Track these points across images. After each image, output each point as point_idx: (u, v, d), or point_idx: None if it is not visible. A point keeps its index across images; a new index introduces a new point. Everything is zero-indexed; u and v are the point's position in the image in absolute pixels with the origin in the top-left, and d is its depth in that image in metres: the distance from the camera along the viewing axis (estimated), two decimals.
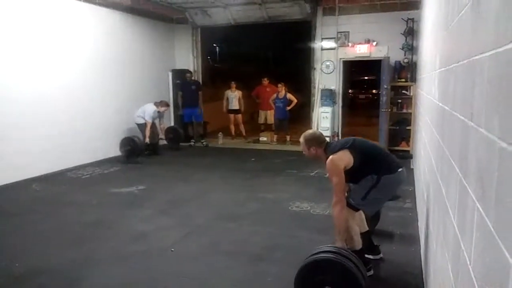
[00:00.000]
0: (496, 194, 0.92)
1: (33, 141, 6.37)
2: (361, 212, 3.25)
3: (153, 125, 8.18)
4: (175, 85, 9.99)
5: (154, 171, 7.18)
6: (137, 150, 7.64)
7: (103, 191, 5.69)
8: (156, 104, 8.13)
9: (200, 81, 10.26)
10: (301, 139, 3.30)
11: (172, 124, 9.88)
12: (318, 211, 4.72)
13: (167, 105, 8.40)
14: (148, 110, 7.97)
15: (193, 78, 9.86)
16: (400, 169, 3.15)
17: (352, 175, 3.09)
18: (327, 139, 8.96)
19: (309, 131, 3.37)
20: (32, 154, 6.33)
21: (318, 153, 3.22)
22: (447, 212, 1.74)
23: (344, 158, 3.04)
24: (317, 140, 3.24)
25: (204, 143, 9.82)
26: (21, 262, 3.43)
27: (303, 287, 2.66)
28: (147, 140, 7.94)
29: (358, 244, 3.14)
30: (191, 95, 9.48)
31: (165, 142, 8.96)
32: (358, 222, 3.25)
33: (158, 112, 8.14)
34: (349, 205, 3.09)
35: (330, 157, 3.06)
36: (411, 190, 5.36)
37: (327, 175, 3.13)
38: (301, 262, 2.71)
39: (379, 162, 3.15)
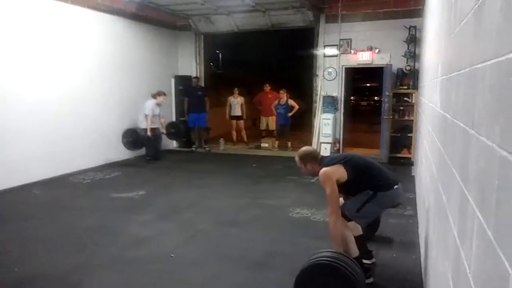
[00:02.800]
0: (496, 202, 0.92)
1: (35, 146, 6.39)
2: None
3: (156, 134, 8.19)
4: (178, 91, 10.03)
5: (155, 176, 7.18)
6: (139, 142, 7.78)
7: (104, 196, 5.69)
8: (153, 96, 8.12)
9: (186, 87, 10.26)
10: (296, 158, 3.36)
11: (174, 115, 9.89)
12: (318, 217, 4.71)
13: (164, 94, 8.32)
14: (146, 105, 7.99)
15: (199, 84, 9.89)
16: (396, 186, 3.17)
17: (347, 189, 3.13)
18: (329, 146, 8.98)
19: (303, 149, 3.43)
20: (33, 158, 6.34)
21: (314, 169, 3.26)
22: (447, 219, 1.73)
23: (337, 172, 3.08)
24: (311, 156, 3.30)
25: (206, 148, 9.84)
26: (21, 267, 3.42)
27: None
28: (149, 133, 7.93)
29: (355, 252, 3.14)
30: (197, 101, 9.55)
31: (168, 146, 8.96)
32: (352, 227, 3.26)
33: (158, 104, 8.09)
34: (343, 215, 3.11)
35: (323, 169, 3.11)
36: (412, 197, 5.35)
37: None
38: (300, 267, 2.70)
39: (374, 179, 3.17)
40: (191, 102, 9.64)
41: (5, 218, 4.73)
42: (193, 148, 9.81)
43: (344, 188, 3.12)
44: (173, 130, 8.95)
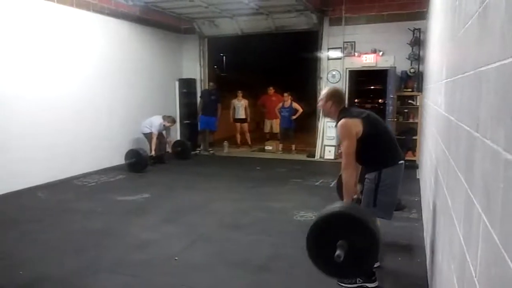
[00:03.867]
0: (502, 206, 0.91)
1: (39, 149, 6.41)
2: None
3: (160, 135, 8.23)
4: (182, 94, 10.09)
5: (160, 179, 7.19)
6: (142, 163, 7.57)
7: (108, 199, 5.70)
8: (164, 117, 8.16)
9: (202, 89, 10.35)
10: (325, 90, 3.30)
11: (179, 137, 9.92)
12: None
13: (174, 121, 8.45)
14: (154, 123, 8.00)
15: (214, 88, 9.97)
16: (400, 162, 3.15)
17: (358, 148, 3.03)
18: (333, 149, 8.94)
19: (334, 87, 3.40)
20: (37, 161, 6.37)
21: (332, 110, 3.20)
22: (453, 223, 1.72)
23: (357, 125, 3.01)
24: (338, 98, 3.22)
25: (210, 151, 9.86)
26: (25, 270, 3.43)
27: (316, 245, 2.60)
28: (153, 152, 7.97)
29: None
30: (209, 104, 9.69)
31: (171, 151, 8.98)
32: None
33: (164, 125, 8.16)
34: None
35: (344, 119, 3.04)
36: (417, 200, 5.32)
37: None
38: (311, 222, 2.69)
39: (384, 142, 3.13)
40: (204, 105, 9.78)
41: (10, 221, 4.75)
42: (198, 151, 9.84)
43: (358, 147, 3.02)
44: (180, 148, 8.94)
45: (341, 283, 3.16)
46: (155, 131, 7.96)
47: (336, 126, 3.19)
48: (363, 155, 3.06)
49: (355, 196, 3.23)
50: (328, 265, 2.53)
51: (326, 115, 3.34)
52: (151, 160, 8.12)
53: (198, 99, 10.13)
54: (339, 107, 3.20)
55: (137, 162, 7.53)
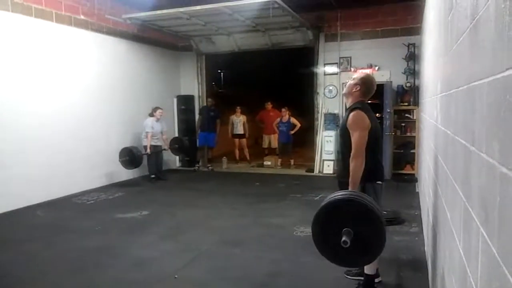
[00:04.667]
0: (499, 219, 0.92)
1: (38, 167, 6.41)
2: None
3: (157, 153, 8.22)
4: (180, 110, 10.14)
5: (159, 196, 7.17)
6: (136, 160, 7.73)
7: (107, 217, 5.67)
8: (150, 114, 8.18)
9: (198, 106, 10.39)
10: (361, 75, 3.22)
11: (176, 134, 10.01)
12: None
13: (160, 108, 8.34)
14: (146, 122, 8.08)
15: (213, 105, 10.02)
16: (378, 182, 3.09)
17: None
18: (331, 163, 8.92)
19: (372, 77, 3.28)
20: (36, 180, 6.35)
21: (354, 96, 3.11)
22: (453, 236, 1.72)
23: (368, 122, 2.98)
24: (367, 89, 3.13)
25: (209, 167, 9.85)
26: None
27: (322, 232, 2.53)
28: (148, 151, 7.99)
29: (374, 268, 3.11)
30: (208, 120, 9.73)
31: (171, 165, 8.96)
32: None
33: (157, 120, 8.14)
34: None
35: (359, 110, 2.98)
36: (417, 214, 5.31)
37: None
38: (317, 209, 2.57)
39: (376, 155, 3.10)
40: (202, 121, 9.83)
41: (8, 240, 4.71)
42: (196, 167, 9.83)
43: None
44: (177, 145, 8.94)
45: (348, 275, 3.16)
46: (148, 129, 8.00)
47: (347, 114, 3.09)
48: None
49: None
50: (334, 253, 2.46)
51: (346, 94, 3.21)
52: (151, 176, 8.14)
53: (197, 116, 10.18)
54: (361, 97, 3.12)
55: (131, 160, 7.68)
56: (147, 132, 8.02)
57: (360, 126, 2.94)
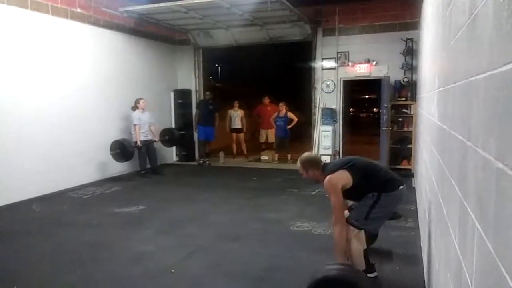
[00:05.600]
0: (495, 214, 0.92)
1: (34, 161, 6.38)
2: (362, 231, 3.24)
3: (150, 147, 8.20)
4: (177, 104, 10.10)
5: (155, 191, 7.16)
6: (127, 153, 7.68)
7: (104, 211, 5.66)
8: (133, 108, 8.11)
9: (195, 100, 10.37)
10: (298, 164, 3.34)
11: (174, 149, 10.05)
12: (319, 231, 4.68)
13: (141, 98, 8.20)
14: (132, 115, 8.03)
15: (211, 98, 9.99)
16: (401, 187, 3.16)
17: (352, 193, 3.10)
18: (328, 158, 8.96)
19: (304, 154, 3.42)
20: (33, 174, 6.33)
21: (316, 175, 3.25)
22: (449, 231, 1.73)
23: (342, 177, 3.06)
24: (313, 162, 3.28)
25: (206, 162, 9.84)
26: (20, 284, 3.39)
27: None
28: (139, 142, 7.94)
29: (362, 265, 3.12)
30: (207, 114, 9.69)
31: (167, 159, 8.94)
32: (362, 242, 3.23)
33: (143, 111, 8.08)
34: (353, 226, 3.09)
35: (328, 176, 3.08)
36: (413, 209, 5.33)
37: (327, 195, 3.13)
38: (308, 280, 2.65)
39: (379, 180, 3.15)
40: (201, 115, 9.79)
41: (4, 235, 4.70)
42: (201, 161, 9.86)
43: (350, 192, 3.09)
44: (167, 137, 8.86)
45: None
46: (135, 122, 7.95)
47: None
48: (362, 193, 3.10)
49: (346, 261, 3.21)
50: None
51: (316, 181, 3.37)
52: (141, 172, 8.12)
53: (194, 110, 10.15)
54: (320, 168, 3.25)
55: (122, 153, 7.65)
56: (134, 125, 7.96)
57: (332, 191, 3.05)
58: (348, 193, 3.08)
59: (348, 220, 3.14)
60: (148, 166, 8.31)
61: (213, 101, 9.96)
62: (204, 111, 9.73)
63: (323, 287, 2.60)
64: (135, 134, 7.97)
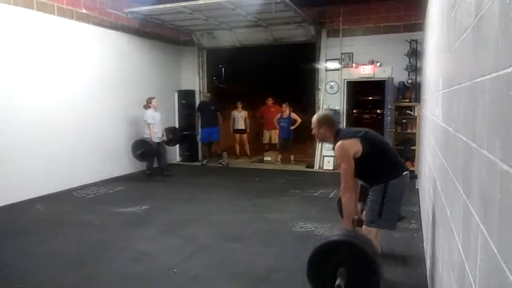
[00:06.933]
0: (499, 216, 0.92)
1: (38, 161, 6.41)
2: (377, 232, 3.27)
3: (160, 147, 8.20)
4: (181, 105, 10.12)
5: (159, 190, 7.18)
6: (152, 153, 7.76)
7: (107, 211, 5.68)
8: (145, 107, 8.09)
9: (199, 100, 10.37)
10: (314, 118, 3.31)
11: (178, 149, 10.07)
12: (322, 231, 4.67)
13: (153, 97, 8.22)
14: (146, 114, 8.00)
15: (212, 99, 9.99)
16: (404, 173, 3.19)
17: (360, 167, 3.07)
18: (331, 158, 8.90)
19: (323, 111, 3.44)
20: (36, 173, 6.36)
21: (327, 135, 3.23)
22: (452, 233, 1.72)
23: (354, 145, 3.04)
24: (330, 121, 3.26)
25: (222, 162, 9.83)
26: (23, 283, 3.40)
27: (317, 272, 2.59)
28: (155, 139, 7.94)
29: None
30: (210, 115, 9.69)
31: (171, 160, 8.95)
32: (378, 245, 3.25)
33: (155, 109, 8.08)
34: (372, 227, 3.12)
35: (341, 141, 3.06)
36: (416, 211, 5.31)
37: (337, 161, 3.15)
38: (312, 248, 2.67)
39: (388, 158, 3.16)
40: (203, 117, 9.79)
41: (8, 234, 4.72)
42: (204, 162, 9.88)
43: (359, 165, 3.06)
44: (171, 135, 8.88)
45: None
46: (150, 120, 7.94)
47: (333, 148, 3.20)
48: (366, 172, 3.09)
49: (355, 217, 3.24)
50: None
51: (322, 140, 3.37)
52: (146, 170, 8.12)
53: (197, 113, 10.11)
54: (333, 129, 3.23)
55: (147, 152, 7.72)
56: (149, 124, 7.94)
57: (344, 158, 3.03)
58: (357, 166, 3.05)
59: (366, 225, 3.18)
60: (155, 166, 8.30)
61: (214, 101, 9.96)
62: (206, 113, 9.73)
63: (329, 252, 2.59)
64: (150, 133, 7.94)
